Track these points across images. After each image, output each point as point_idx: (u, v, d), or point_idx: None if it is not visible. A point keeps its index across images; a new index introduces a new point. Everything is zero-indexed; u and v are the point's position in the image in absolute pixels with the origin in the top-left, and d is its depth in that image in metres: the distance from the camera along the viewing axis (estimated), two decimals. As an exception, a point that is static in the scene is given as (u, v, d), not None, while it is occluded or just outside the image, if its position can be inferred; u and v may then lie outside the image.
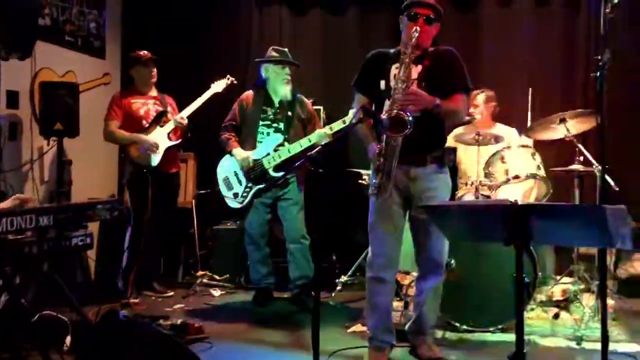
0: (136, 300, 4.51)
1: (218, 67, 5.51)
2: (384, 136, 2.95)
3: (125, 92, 4.93)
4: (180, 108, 4.80)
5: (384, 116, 2.92)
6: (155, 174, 4.66)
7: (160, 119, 4.71)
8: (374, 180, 3.03)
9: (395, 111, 2.88)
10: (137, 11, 5.94)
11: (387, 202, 3.08)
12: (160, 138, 4.66)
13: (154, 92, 4.86)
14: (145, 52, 4.77)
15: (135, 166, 4.66)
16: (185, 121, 4.68)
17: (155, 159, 4.64)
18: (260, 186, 4.44)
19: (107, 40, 5.76)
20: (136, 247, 4.63)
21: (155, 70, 4.79)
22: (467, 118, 4.42)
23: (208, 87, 4.81)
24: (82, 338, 3.15)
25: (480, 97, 4.73)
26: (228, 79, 4.84)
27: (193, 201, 5.40)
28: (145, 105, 4.77)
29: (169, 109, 4.81)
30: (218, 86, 4.81)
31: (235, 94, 4.74)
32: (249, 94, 4.60)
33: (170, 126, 4.70)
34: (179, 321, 3.68)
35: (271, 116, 4.49)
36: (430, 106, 2.99)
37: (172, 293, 4.83)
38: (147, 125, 4.70)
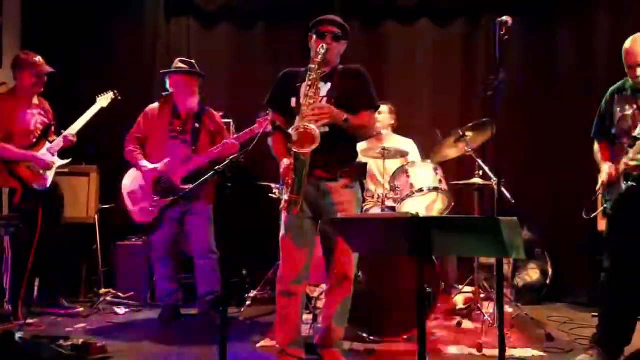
0: (33, 321, 4.28)
1: (123, 77, 5.38)
2: (293, 151, 2.96)
3: (7, 97, 4.50)
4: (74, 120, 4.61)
5: (291, 131, 2.94)
6: (45, 193, 4.47)
7: (47, 132, 4.51)
8: (285, 196, 3.04)
9: (302, 126, 2.91)
10: (37, 19, 5.68)
11: (298, 216, 3.10)
12: (53, 160, 4.48)
13: (36, 100, 4.58)
14: (40, 58, 4.51)
15: (24, 187, 4.37)
16: (75, 138, 4.54)
17: (49, 181, 4.46)
18: (168, 200, 4.35)
19: (5, 49, 5.45)
20: (24, 267, 4.35)
21: (45, 80, 4.54)
22: (375, 134, 4.54)
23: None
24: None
25: (383, 109, 4.89)
26: (114, 93, 4.72)
27: (96, 216, 5.20)
28: (33, 117, 4.49)
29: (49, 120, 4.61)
30: (103, 101, 4.68)
31: (141, 105, 4.62)
32: (154, 106, 4.51)
33: (59, 143, 4.49)
34: (80, 341, 3.51)
35: (178, 128, 4.42)
36: (339, 120, 3.05)
37: (81, 309, 4.64)
38: (34, 140, 4.45)
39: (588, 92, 5.12)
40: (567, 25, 5.51)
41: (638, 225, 3.24)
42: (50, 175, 4.47)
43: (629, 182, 3.20)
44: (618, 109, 3.34)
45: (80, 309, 4.64)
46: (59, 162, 4.52)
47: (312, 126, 2.89)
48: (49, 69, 4.52)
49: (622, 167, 3.23)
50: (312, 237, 3.25)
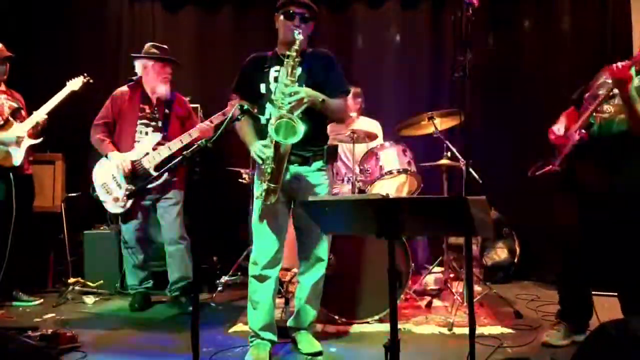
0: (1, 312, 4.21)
1: (87, 63, 5.27)
2: (274, 141, 2.93)
3: None
4: (40, 105, 4.52)
5: (273, 120, 2.90)
6: (16, 174, 4.38)
7: (16, 114, 4.42)
8: (263, 185, 3.02)
9: (286, 116, 2.90)
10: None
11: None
12: (22, 134, 4.38)
13: (2, 87, 4.51)
14: (2, 46, 4.43)
15: None
16: (46, 118, 4.45)
17: (18, 158, 4.36)
18: (142, 187, 4.27)
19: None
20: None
21: (8, 66, 4.47)
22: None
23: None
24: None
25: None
26: (85, 77, 4.60)
27: (62, 205, 5.11)
28: None
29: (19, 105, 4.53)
30: (74, 84, 4.56)
31: (105, 91, 4.52)
32: (123, 90, 4.41)
33: (29, 123, 4.41)
34: (49, 331, 3.46)
35: (149, 114, 4.34)
36: (318, 101, 3.03)
37: (40, 300, 4.58)
38: (2, 121, 4.38)
39: (553, 73, 5.19)
40: (532, 8, 5.58)
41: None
42: (19, 154, 4.37)
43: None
44: (604, 76, 3.26)
45: (39, 301, 4.57)
46: (29, 141, 4.42)
47: (295, 117, 2.89)
48: (7, 53, 4.43)
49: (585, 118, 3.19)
50: (285, 221, 3.25)
